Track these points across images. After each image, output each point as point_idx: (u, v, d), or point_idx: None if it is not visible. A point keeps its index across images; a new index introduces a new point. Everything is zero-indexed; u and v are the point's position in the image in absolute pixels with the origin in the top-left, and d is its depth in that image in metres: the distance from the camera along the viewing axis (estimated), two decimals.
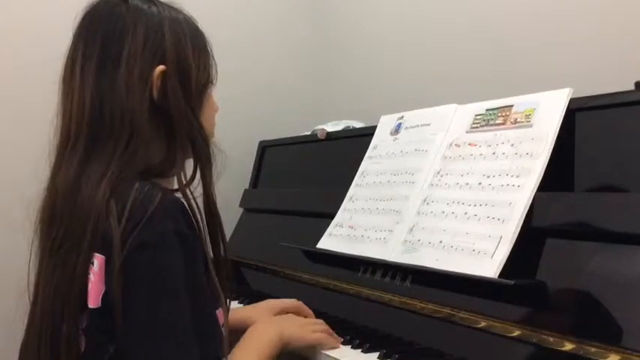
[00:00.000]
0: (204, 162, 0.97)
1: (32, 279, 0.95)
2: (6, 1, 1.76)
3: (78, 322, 0.87)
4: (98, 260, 0.85)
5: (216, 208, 0.97)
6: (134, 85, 0.92)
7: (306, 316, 1.24)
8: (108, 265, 0.84)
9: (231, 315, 1.03)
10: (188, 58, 0.96)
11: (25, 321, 0.96)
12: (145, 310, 0.83)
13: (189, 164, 0.98)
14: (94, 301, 0.86)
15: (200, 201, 0.95)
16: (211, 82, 1.02)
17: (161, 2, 0.99)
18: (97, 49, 0.94)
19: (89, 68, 0.93)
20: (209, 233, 0.96)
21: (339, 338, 1.17)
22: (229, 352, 0.97)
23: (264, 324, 1.12)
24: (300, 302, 1.28)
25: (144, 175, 0.90)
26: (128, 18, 0.94)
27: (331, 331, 1.17)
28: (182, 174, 0.95)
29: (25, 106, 1.72)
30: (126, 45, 0.93)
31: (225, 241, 0.99)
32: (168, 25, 0.95)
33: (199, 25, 1.02)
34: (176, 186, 0.96)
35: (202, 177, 0.97)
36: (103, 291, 0.85)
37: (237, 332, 1.08)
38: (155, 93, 0.93)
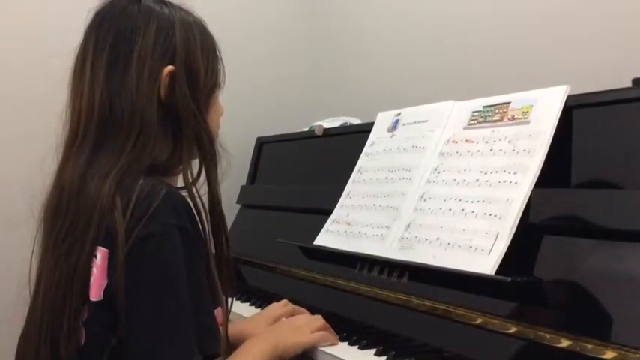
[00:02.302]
0: (210, 162, 0.98)
1: (34, 273, 0.96)
2: None
3: (79, 315, 0.87)
4: (101, 253, 0.86)
5: (220, 207, 0.98)
6: (144, 84, 0.93)
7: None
8: (111, 258, 0.85)
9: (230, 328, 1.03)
10: (197, 59, 0.98)
11: (25, 314, 0.96)
12: (148, 302, 0.84)
13: (195, 164, 0.99)
14: (95, 293, 0.86)
15: (205, 199, 0.96)
16: (219, 85, 1.04)
17: (172, 4, 1.00)
18: (107, 46, 0.95)
19: (99, 65, 0.94)
20: (213, 232, 0.96)
21: (335, 338, 1.17)
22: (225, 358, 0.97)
23: (257, 337, 1.10)
24: (289, 304, 1.28)
25: (150, 172, 0.91)
26: (140, 17, 0.95)
27: (329, 326, 1.17)
28: (188, 172, 0.96)
29: (32, 101, 1.72)
30: (137, 44, 0.94)
31: (229, 241, 0.99)
32: (179, 27, 0.97)
33: (209, 30, 1.03)
34: (181, 184, 0.96)
35: (207, 176, 0.98)
36: (105, 284, 0.86)
37: (232, 346, 1.08)
38: (163, 92, 0.94)
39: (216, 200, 0.97)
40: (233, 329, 1.15)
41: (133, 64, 0.93)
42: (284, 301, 1.31)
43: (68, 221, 0.89)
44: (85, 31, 0.98)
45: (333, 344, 1.14)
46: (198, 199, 0.94)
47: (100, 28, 0.96)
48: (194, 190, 0.95)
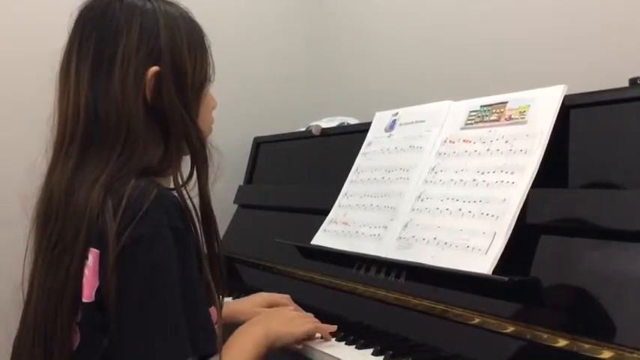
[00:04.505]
0: (200, 162, 0.97)
1: (27, 275, 0.95)
2: None
3: (72, 320, 0.87)
4: (93, 255, 0.85)
5: (210, 207, 0.97)
6: (129, 86, 0.91)
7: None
8: (102, 259, 0.84)
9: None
10: (183, 57, 0.95)
11: (20, 316, 0.96)
12: (138, 303, 0.83)
13: (187, 163, 0.98)
14: (87, 295, 0.86)
15: (196, 201, 0.95)
16: (208, 80, 1.01)
17: None
18: (91, 49, 0.93)
19: (84, 69, 0.92)
20: (204, 232, 0.96)
21: (331, 327, 1.17)
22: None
23: (249, 325, 1.10)
24: (289, 297, 1.29)
25: (141, 175, 0.90)
26: (122, 16, 0.93)
27: (320, 323, 1.17)
28: (178, 174, 0.95)
29: (22, 102, 1.72)
30: (120, 45, 0.92)
31: (220, 241, 0.99)
32: (163, 23, 0.94)
33: (197, 21, 1.01)
34: (172, 185, 0.95)
35: (198, 177, 0.96)
36: (97, 285, 0.85)
37: (227, 327, 1.08)
38: (149, 94, 0.92)
39: (206, 200, 0.96)
40: (226, 310, 1.15)
41: (117, 66, 0.91)
42: (285, 295, 1.31)
43: (57, 228, 0.89)
44: (69, 32, 0.96)
45: (326, 340, 1.15)
46: (188, 200, 0.93)
47: (83, 29, 0.94)
48: (184, 192, 0.94)
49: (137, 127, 0.91)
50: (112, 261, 0.82)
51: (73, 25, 0.96)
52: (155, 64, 0.92)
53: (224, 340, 1.02)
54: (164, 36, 0.94)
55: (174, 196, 0.91)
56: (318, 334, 1.16)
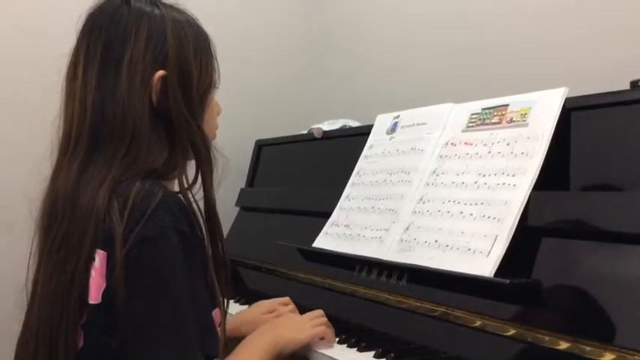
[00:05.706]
0: (205, 166, 0.97)
1: (30, 277, 0.95)
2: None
3: (77, 322, 0.87)
4: (99, 256, 0.86)
5: (215, 211, 0.97)
6: (135, 90, 0.92)
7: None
8: (109, 260, 0.84)
9: (227, 321, 1.03)
10: (190, 62, 0.96)
11: (23, 318, 0.96)
12: (146, 304, 0.84)
13: (192, 166, 0.98)
14: (94, 296, 0.86)
15: (201, 204, 0.96)
16: (213, 85, 1.02)
17: (164, 3, 0.98)
18: (99, 52, 0.94)
19: (91, 71, 0.93)
20: (209, 236, 0.96)
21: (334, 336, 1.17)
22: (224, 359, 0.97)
23: (258, 333, 1.11)
24: (288, 298, 1.29)
25: (146, 177, 0.90)
26: (130, 21, 0.94)
27: (330, 325, 1.17)
28: (183, 177, 0.95)
29: (26, 104, 1.72)
30: (128, 49, 0.93)
31: (224, 244, 0.99)
32: (170, 29, 0.95)
33: (203, 27, 1.01)
34: (177, 188, 0.96)
35: (203, 181, 0.97)
36: (103, 287, 0.85)
37: (233, 340, 1.08)
38: (155, 97, 0.93)
39: (211, 204, 0.97)
40: (231, 323, 1.15)
41: (123, 70, 0.92)
42: (286, 299, 1.31)
43: (63, 230, 0.89)
44: (77, 35, 0.97)
45: (329, 343, 1.15)
46: (194, 203, 0.94)
47: (90, 33, 0.95)
48: (189, 195, 0.94)
49: (142, 129, 0.91)
50: (119, 262, 0.82)
51: (80, 29, 0.97)
52: (161, 69, 0.93)
53: (232, 349, 1.03)
54: (171, 41, 0.95)
55: (180, 198, 0.92)
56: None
